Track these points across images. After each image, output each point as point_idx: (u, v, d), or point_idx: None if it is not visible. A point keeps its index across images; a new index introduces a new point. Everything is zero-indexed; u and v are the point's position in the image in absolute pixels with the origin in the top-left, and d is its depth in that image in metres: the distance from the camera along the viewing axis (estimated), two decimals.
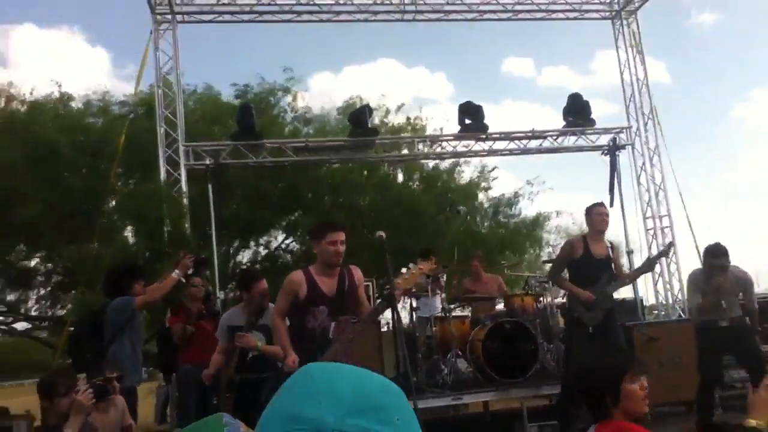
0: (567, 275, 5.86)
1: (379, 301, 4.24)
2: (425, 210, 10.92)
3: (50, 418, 3.37)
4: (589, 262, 5.64)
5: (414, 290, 7.09)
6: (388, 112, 12.63)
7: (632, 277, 6.33)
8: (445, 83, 50.21)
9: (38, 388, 3.52)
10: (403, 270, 4.11)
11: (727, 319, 5.72)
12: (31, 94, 11.31)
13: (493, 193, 13.09)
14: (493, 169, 12.85)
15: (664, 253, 6.24)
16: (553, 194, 22.60)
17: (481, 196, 12.99)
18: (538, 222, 13.07)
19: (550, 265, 7.29)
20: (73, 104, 11.58)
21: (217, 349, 5.60)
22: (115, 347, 5.04)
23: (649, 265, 6.31)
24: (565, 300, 6.69)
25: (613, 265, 5.75)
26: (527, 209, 13.17)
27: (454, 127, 10.30)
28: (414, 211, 10.64)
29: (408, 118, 12.90)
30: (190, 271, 5.91)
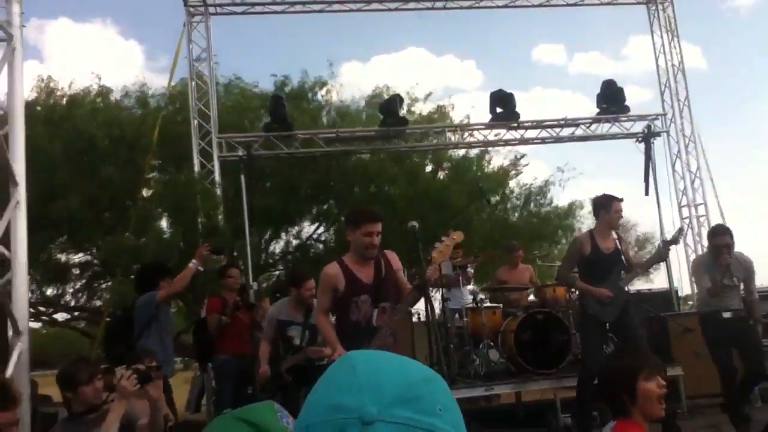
0: (576, 273, 5.71)
1: (411, 289, 4.11)
2: (455, 200, 10.88)
3: (76, 407, 3.40)
4: (599, 258, 5.49)
5: (444, 281, 7.08)
6: (416, 100, 12.56)
7: (644, 268, 6.10)
8: (475, 71, 49.77)
9: (59, 379, 3.51)
10: (436, 244, 4.03)
11: (731, 311, 5.61)
12: (69, 87, 11.52)
13: (524, 179, 12.96)
14: (522, 156, 12.71)
15: (674, 240, 5.97)
16: (586, 183, 22.36)
17: (512, 183, 12.89)
18: (570, 210, 12.93)
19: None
20: (113, 97, 11.77)
21: (264, 340, 5.74)
22: (143, 341, 5.21)
23: (659, 255, 6.03)
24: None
25: (623, 257, 5.57)
26: (558, 198, 13.04)
27: (485, 116, 10.24)
28: (443, 201, 10.61)
29: (438, 107, 12.82)
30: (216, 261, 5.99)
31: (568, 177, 12.65)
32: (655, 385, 2.44)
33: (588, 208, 13.78)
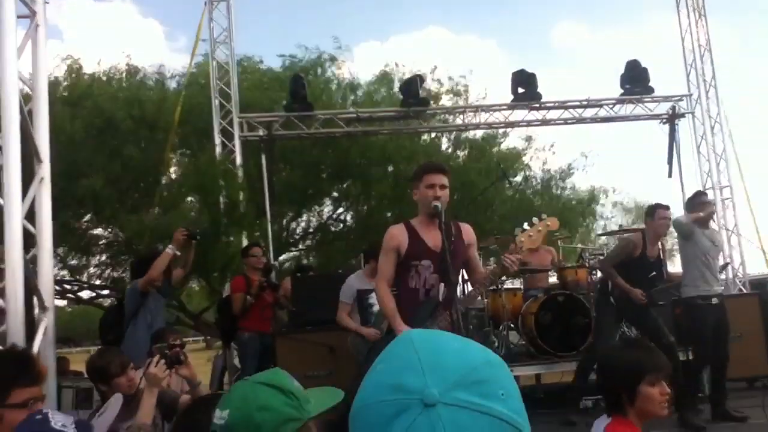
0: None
1: (494, 267, 3.80)
2: (475, 179, 10.81)
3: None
4: (644, 263, 5.67)
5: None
6: (440, 84, 12.44)
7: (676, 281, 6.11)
8: (495, 50, 49.38)
9: (91, 372, 3.41)
10: (526, 225, 3.61)
11: (717, 296, 5.62)
12: (99, 64, 11.61)
13: (548, 165, 12.85)
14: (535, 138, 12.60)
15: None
16: (609, 164, 22.16)
17: (533, 164, 12.79)
18: (593, 197, 12.82)
19: (606, 254, 7.16)
20: (139, 77, 11.84)
21: (345, 311, 5.77)
22: (130, 330, 5.22)
23: None
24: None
25: (662, 266, 5.78)
26: (581, 182, 12.96)
27: (506, 96, 10.12)
28: (463, 181, 10.55)
29: (457, 87, 12.68)
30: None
31: (592, 162, 12.56)
32: (657, 392, 2.32)
33: (611, 196, 13.69)
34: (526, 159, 12.72)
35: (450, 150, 12.36)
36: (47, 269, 3.61)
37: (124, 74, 11.63)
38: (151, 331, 5.02)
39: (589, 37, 51.67)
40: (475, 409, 0.74)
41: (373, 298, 5.35)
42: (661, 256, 5.80)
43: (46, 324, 3.58)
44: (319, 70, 12.01)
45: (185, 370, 3.24)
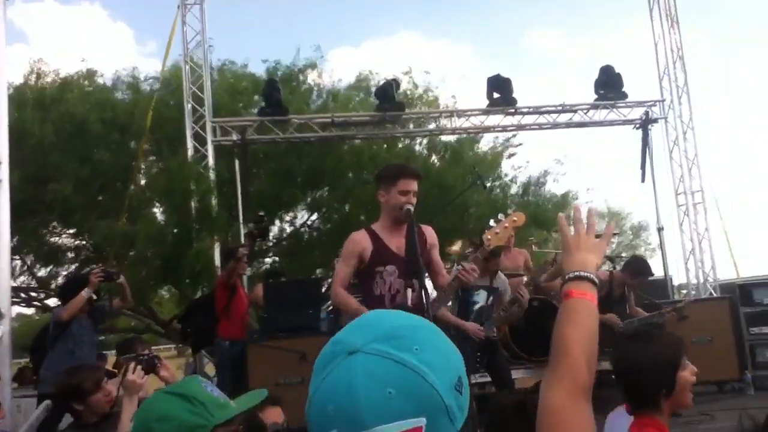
0: None
1: (451, 280, 3.59)
2: (450, 184, 10.80)
3: (88, 417, 3.21)
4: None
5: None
6: (415, 87, 12.44)
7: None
8: (470, 56, 49.65)
9: (64, 392, 3.31)
10: (492, 222, 3.48)
11: None
12: (57, 73, 11.41)
13: (518, 162, 12.92)
14: (514, 135, 12.64)
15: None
16: (584, 168, 22.34)
17: (506, 167, 12.83)
18: (567, 199, 12.88)
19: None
20: (102, 80, 11.67)
21: (444, 308, 5.60)
22: (50, 355, 5.04)
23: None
24: None
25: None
26: (555, 186, 13.00)
27: (482, 101, 10.13)
28: (439, 185, 10.53)
29: (428, 92, 12.67)
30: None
31: (564, 171, 12.64)
32: (689, 373, 2.14)
33: (583, 197, 13.78)
34: (503, 164, 12.77)
35: (425, 154, 12.33)
36: (4, 275, 3.49)
37: (93, 78, 11.44)
38: (74, 357, 4.87)
39: (563, 43, 52.20)
40: (386, 356, 0.87)
41: (477, 296, 5.31)
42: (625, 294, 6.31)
43: (2, 331, 3.46)
44: (300, 77, 11.95)
45: (164, 372, 3.20)
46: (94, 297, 5.37)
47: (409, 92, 12.10)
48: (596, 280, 1.32)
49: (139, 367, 3.01)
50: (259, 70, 12.02)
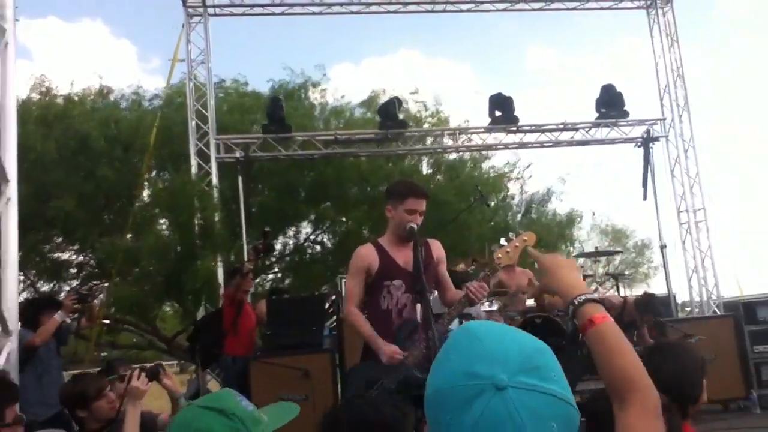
0: None
1: (460, 297, 3.55)
2: (451, 202, 10.83)
3: (91, 425, 3.28)
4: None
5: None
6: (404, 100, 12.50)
7: None
8: (469, 74, 49.90)
9: (66, 400, 3.38)
10: (503, 241, 3.54)
11: None
12: (71, 85, 11.50)
13: (527, 187, 12.95)
14: (518, 160, 12.70)
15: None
16: (586, 188, 22.37)
17: (512, 188, 12.86)
18: (571, 220, 12.89)
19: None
20: (113, 97, 11.75)
21: None
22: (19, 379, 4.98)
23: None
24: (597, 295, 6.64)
25: None
26: (559, 206, 13.02)
27: (483, 119, 10.19)
28: (440, 202, 10.56)
29: (433, 110, 12.75)
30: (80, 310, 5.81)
31: (565, 190, 12.68)
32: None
33: (591, 220, 13.81)
34: (509, 183, 12.82)
35: (430, 173, 12.38)
36: (12, 292, 3.51)
37: (95, 94, 11.52)
38: (41, 383, 4.74)
39: (563, 61, 52.47)
40: (538, 390, 0.91)
41: None
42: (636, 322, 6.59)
43: (9, 349, 3.48)
44: (303, 94, 12.04)
45: (167, 380, 3.26)
46: (67, 321, 5.34)
47: (418, 114, 12.20)
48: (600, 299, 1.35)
49: (143, 374, 3.09)
50: (262, 87, 12.12)
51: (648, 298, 6.97)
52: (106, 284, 10.47)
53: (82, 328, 5.83)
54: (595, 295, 1.34)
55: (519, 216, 12.59)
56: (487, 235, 11.01)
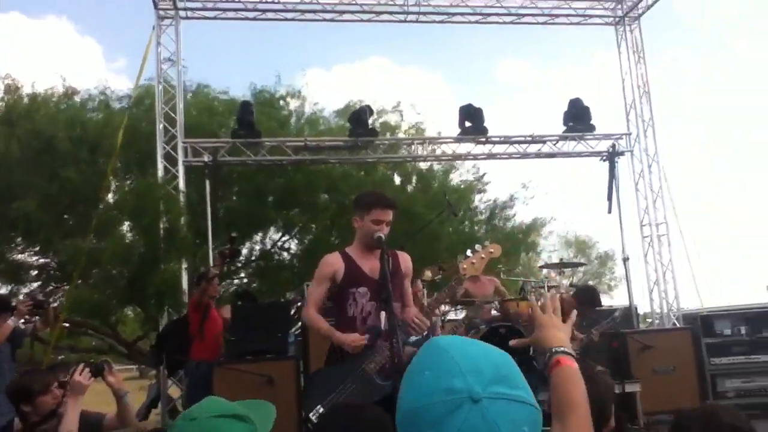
0: None
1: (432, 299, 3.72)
2: (421, 212, 10.89)
3: (32, 418, 3.29)
4: None
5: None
6: (383, 112, 12.56)
7: None
8: (440, 83, 50.19)
9: (11, 393, 3.38)
10: (468, 252, 3.60)
11: None
12: (32, 87, 11.27)
13: (488, 196, 13.09)
14: (484, 174, 12.85)
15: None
16: (551, 200, 22.67)
17: (476, 199, 12.98)
18: (534, 227, 13.05)
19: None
20: (78, 99, 11.55)
21: None
22: None
23: None
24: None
25: None
26: (523, 214, 13.18)
27: (453, 129, 10.28)
28: (410, 212, 10.60)
29: (400, 118, 12.80)
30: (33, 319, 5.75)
31: (532, 195, 12.83)
32: None
33: (549, 226, 13.96)
34: (476, 199, 12.96)
35: (400, 182, 12.42)
36: None
37: (59, 96, 11.31)
38: None
39: (533, 74, 53.11)
40: (509, 398, 0.98)
41: None
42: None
43: None
44: (282, 101, 12.01)
45: (111, 377, 3.24)
46: (20, 326, 5.25)
47: (397, 128, 12.25)
48: (575, 355, 1.55)
49: (86, 369, 3.09)
50: (236, 92, 12.06)
51: (585, 289, 7.03)
52: (67, 287, 10.28)
53: (38, 330, 5.73)
54: (571, 351, 1.56)
55: (482, 224, 12.69)
56: (455, 244, 11.10)
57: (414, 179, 12.34)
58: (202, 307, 6.48)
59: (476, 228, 12.45)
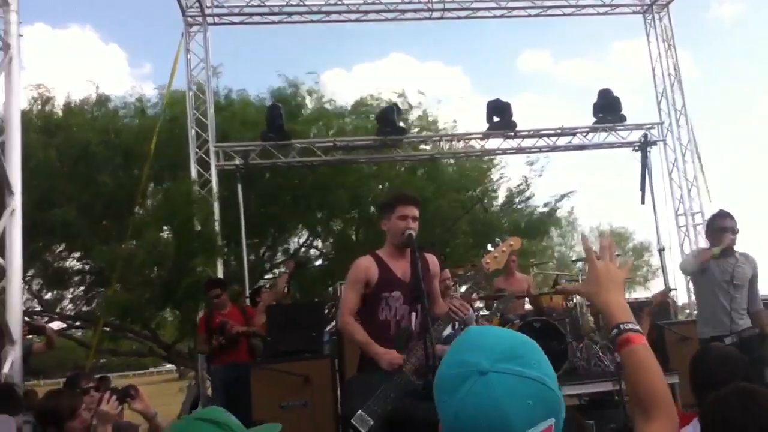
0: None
1: (445, 312, 3.58)
2: (446, 208, 10.86)
3: None
4: None
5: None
6: (409, 109, 12.47)
7: None
8: (462, 77, 49.98)
9: (41, 416, 3.35)
10: (490, 247, 3.69)
11: (736, 333, 4.86)
12: (67, 96, 11.52)
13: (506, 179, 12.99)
14: (529, 185, 12.74)
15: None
16: (584, 191, 22.34)
17: (495, 178, 12.89)
18: (553, 207, 12.83)
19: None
20: (111, 106, 11.77)
21: None
22: None
23: None
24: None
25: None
26: (541, 197, 13.02)
27: (477, 121, 10.27)
28: (423, 200, 10.53)
29: (426, 114, 12.70)
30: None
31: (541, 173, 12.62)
32: None
33: (570, 201, 13.60)
34: (494, 177, 12.85)
35: (425, 179, 12.37)
36: (16, 303, 3.56)
37: (92, 104, 11.53)
38: None
39: (556, 64, 52.57)
40: (516, 374, 1.04)
41: None
42: None
43: (12, 358, 3.53)
44: (300, 100, 12.05)
45: (138, 404, 3.20)
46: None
47: (404, 112, 12.16)
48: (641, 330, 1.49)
49: (113, 397, 3.06)
50: (259, 95, 12.14)
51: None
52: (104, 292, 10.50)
53: (36, 351, 5.81)
54: (638, 327, 1.47)
55: (501, 212, 12.60)
56: (479, 232, 11.05)
57: (437, 175, 12.19)
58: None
59: (500, 216, 12.31)
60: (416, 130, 11.90)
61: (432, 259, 3.86)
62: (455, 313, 3.50)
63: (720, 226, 5.09)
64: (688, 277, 9.27)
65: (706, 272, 5.06)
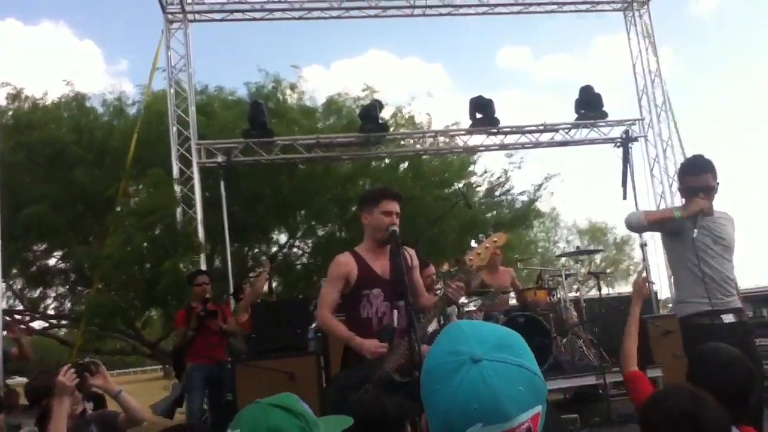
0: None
1: (437, 299, 3.64)
2: (431, 206, 10.86)
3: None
4: None
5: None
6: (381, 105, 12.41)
7: None
8: (441, 74, 50.02)
9: (32, 391, 3.46)
10: (473, 243, 3.69)
11: (732, 310, 3.80)
12: (44, 95, 11.35)
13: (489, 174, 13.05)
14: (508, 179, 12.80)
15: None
16: (567, 187, 22.51)
17: (474, 177, 12.93)
18: (532, 197, 12.90)
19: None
20: (89, 104, 11.63)
21: None
22: None
23: None
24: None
25: None
26: (520, 186, 13.07)
27: (458, 116, 10.29)
28: (407, 196, 10.53)
29: (400, 112, 12.65)
30: None
31: (520, 165, 12.67)
32: None
33: (549, 187, 13.69)
34: (477, 170, 12.90)
35: (409, 176, 12.36)
36: None
37: (71, 101, 11.37)
38: None
39: (538, 60, 52.74)
40: (507, 362, 1.09)
41: None
42: None
43: None
44: (280, 98, 11.97)
45: (98, 380, 3.23)
46: None
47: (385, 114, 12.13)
48: None
49: (71, 370, 3.09)
50: (240, 92, 12.06)
51: None
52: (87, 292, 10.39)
53: (14, 357, 5.76)
54: None
55: (481, 202, 12.64)
56: (463, 228, 11.07)
57: (421, 172, 12.19)
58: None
59: (476, 206, 12.35)
60: (392, 128, 11.87)
61: (410, 252, 3.83)
62: (453, 294, 3.49)
63: (689, 186, 3.90)
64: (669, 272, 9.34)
65: (681, 234, 3.88)
